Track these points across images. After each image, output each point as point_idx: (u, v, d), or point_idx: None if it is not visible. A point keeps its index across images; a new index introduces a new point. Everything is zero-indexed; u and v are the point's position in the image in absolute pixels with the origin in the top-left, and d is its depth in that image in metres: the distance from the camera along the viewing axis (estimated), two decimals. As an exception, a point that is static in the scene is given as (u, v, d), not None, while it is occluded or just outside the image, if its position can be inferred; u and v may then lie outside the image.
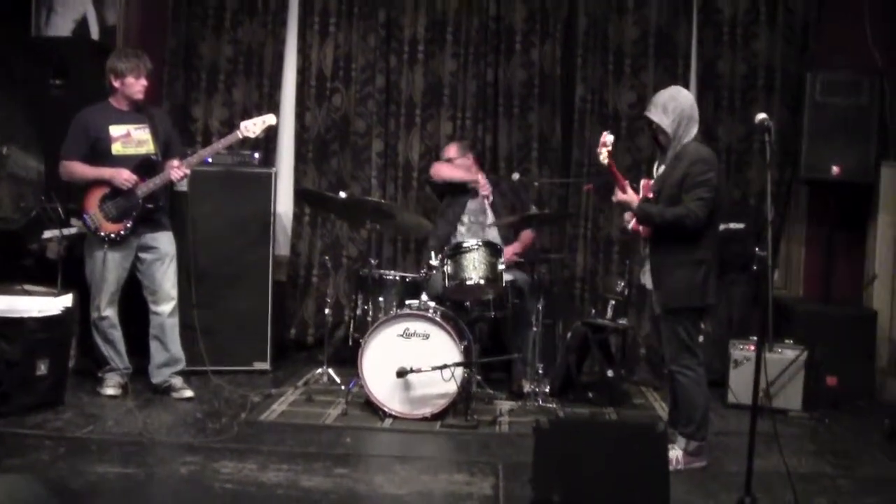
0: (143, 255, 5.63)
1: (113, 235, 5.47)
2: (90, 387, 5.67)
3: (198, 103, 7.03)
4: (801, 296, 6.84)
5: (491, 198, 6.42)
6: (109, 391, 5.60)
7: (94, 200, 5.48)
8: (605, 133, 4.60)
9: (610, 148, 4.55)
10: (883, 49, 6.58)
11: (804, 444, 5.22)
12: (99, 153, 5.49)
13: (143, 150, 5.56)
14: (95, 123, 5.51)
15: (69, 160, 5.48)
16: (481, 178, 6.40)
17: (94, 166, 5.46)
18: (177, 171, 5.51)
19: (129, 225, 5.48)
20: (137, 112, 5.61)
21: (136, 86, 5.53)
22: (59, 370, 5.34)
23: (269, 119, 5.75)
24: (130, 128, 5.56)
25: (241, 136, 5.68)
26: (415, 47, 6.97)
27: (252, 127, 5.66)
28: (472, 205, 6.41)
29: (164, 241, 5.69)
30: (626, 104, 6.87)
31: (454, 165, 6.42)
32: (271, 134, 6.97)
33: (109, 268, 5.51)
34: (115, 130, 5.52)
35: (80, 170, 5.47)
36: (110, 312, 5.63)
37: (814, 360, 5.86)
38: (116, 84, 5.53)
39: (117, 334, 5.67)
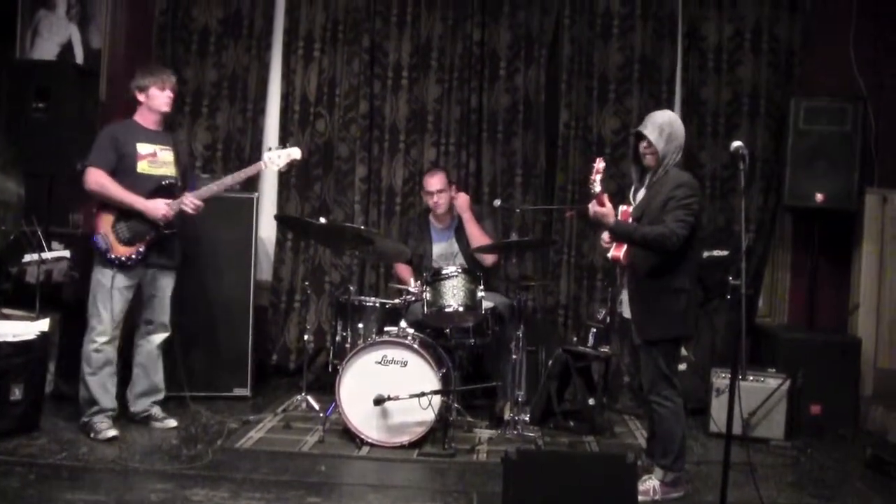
0: (149, 284, 5.48)
1: (124, 259, 5.27)
2: (67, 412, 5.58)
3: (182, 127, 6.99)
4: (785, 323, 6.82)
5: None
6: (111, 433, 5.22)
7: (107, 220, 5.28)
8: (598, 159, 4.55)
9: (602, 175, 4.50)
10: (867, 76, 6.60)
11: (785, 474, 5.16)
12: (123, 169, 5.30)
13: (166, 172, 5.43)
14: (124, 138, 5.34)
15: (98, 169, 5.24)
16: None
17: (118, 183, 5.25)
18: (189, 205, 5.37)
19: (141, 249, 5.30)
20: (163, 132, 5.52)
21: (162, 97, 5.41)
22: (34, 395, 5.28)
23: (294, 153, 5.56)
24: (157, 148, 5.42)
25: (264, 168, 5.63)
26: (399, 73, 6.95)
27: (276, 159, 5.51)
28: (437, 249, 6.43)
29: (169, 274, 5.56)
30: (611, 130, 6.87)
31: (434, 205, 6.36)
32: (253, 158, 6.97)
33: (116, 296, 5.28)
34: (143, 148, 5.37)
35: (113, 188, 5.24)
36: (111, 345, 5.35)
37: (795, 388, 5.81)
38: (142, 99, 5.40)
39: (110, 369, 5.37)
